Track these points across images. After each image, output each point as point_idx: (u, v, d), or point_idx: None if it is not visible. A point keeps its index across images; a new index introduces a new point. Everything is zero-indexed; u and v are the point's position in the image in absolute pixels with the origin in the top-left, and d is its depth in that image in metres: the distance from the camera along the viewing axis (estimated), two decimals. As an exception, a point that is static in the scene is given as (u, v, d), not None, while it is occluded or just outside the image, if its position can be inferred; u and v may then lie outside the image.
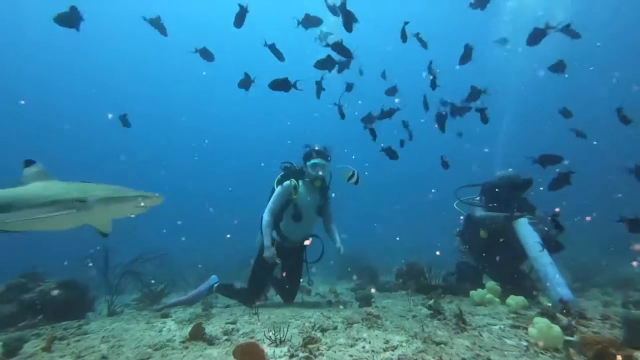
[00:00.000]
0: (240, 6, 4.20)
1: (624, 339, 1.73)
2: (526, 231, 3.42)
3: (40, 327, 2.81)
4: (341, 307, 3.40)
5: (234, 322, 2.66)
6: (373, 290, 4.25)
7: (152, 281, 4.07)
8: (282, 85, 3.57)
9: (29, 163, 2.21)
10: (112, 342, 2.22)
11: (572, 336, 1.83)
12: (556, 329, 1.76)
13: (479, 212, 3.94)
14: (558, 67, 4.71)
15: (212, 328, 2.48)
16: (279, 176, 3.73)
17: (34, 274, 3.48)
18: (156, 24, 4.64)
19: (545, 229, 3.46)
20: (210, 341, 2.13)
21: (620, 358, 1.36)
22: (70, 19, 3.57)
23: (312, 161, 3.56)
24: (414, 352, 1.75)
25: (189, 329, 2.27)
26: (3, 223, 1.97)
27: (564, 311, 2.41)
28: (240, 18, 4.24)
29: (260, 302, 3.76)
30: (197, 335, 2.19)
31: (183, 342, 2.14)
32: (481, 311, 2.86)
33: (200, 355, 1.85)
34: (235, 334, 2.33)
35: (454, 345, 1.84)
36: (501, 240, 3.69)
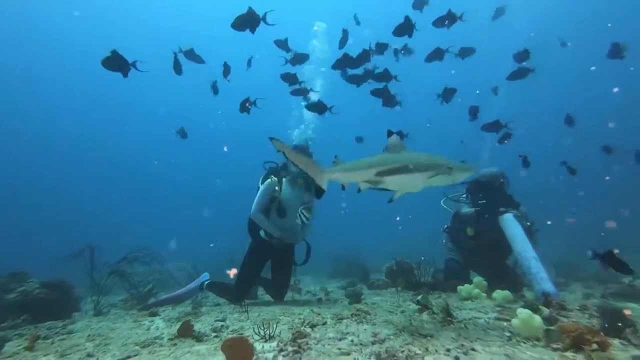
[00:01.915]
0: (175, 53, 4.15)
1: (600, 327, 1.80)
2: (512, 226, 3.50)
3: (23, 328, 2.75)
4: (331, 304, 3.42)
5: (223, 320, 2.65)
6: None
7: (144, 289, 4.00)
8: (116, 64, 3.10)
9: (390, 133, 2.49)
10: (98, 340, 2.19)
11: (552, 326, 1.88)
12: (537, 319, 1.82)
13: (465, 209, 4.02)
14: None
15: (201, 325, 2.48)
16: (263, 175, 3.74)
17: (18, 274, 3.39)
18: (192, 55, 4.59)
19: (528, 224, 3.55)
20: (199, 338, 2.12)
21: (595, 343, 1.42)
22: None
23: None
24: (401, 344, 1.78)
25: (178, 326, 2.26)
26: (388, 182, 2.30)
27: (546, 303, 2.48)
28: (177, 66, 4.16)
29: (250, 300, 3.76)
30: (186, 332, 2.18)
31: (171, 339, 2.13)
32: (468, 305, 2.93)
33: (189, 352, 1.84)
34: (224, 330, 2.33)
35: (440, 337, 1.88)
36: (487, 235, 3.78)
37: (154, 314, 3.02)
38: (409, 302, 3.15)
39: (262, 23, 3.71)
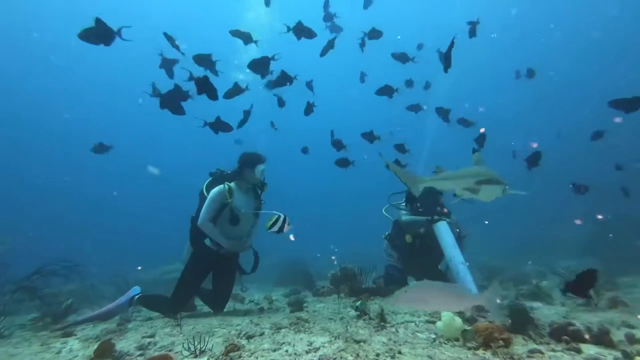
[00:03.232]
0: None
1: (508, 325, 2.02)
2: (444, 233, 3.79)
3: None
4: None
5: (152, 336, 2.45)
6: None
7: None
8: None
9: (475, 150, 2.91)
10: (-10, 369, 1.88)
11: (471, 326, 2.06)
12: (458, 320, 1.98)
13: (405, 217, 4.26)
14: None
15: (125, 343, 2.26)
16: (205, 183, 3.60)
17: None
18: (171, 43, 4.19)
19: (457, 230, 3.89)
20: (120, 358, 1.93)
21: (501, 340, 1.59)
22: None
23: (262, 167, 3.54)
24: (335, 352, 1.81)
25: (95, 347, 2.03)
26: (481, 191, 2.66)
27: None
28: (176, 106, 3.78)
29: (187, 312, 3.54)
30: (105, 353, 1.97)
31: (86, 362, 1.91)
32: (403, 310, 3.08)
33: (105, 375, 1.67)
34: (151, 348, 2.15)
35: (372, 342, 1.95)
36: (423, 242, 4.04)
37: (69, 334, 2.67)
38: (349, 308, 3.22)
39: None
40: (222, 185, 3.40)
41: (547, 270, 5.55)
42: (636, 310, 2.85)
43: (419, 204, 4.30)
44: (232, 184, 3.49)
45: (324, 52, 5.00)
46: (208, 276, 3.61)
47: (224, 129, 4.02)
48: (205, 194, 3.46)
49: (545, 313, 2.67)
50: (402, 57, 5.25)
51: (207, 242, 3.39)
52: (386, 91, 4.62)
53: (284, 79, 4.25)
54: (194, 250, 3.52)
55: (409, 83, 5.41)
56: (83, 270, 3.89)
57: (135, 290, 3.59)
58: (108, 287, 4.83)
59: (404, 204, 4.48)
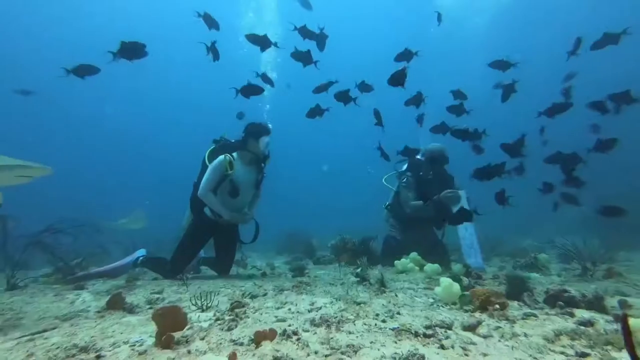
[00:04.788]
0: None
1: (506, 292, 2.08)
2: (462, 203, 3.78)
3: None
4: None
5: (160, 292, 2.56)
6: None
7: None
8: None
9: None
10: (8, 315, 1.98)
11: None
12: (456, 286, 2.04)
13: (408, 196, 4.26)
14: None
15: (135, 298, 2.36)
16: (208, 150, 3.55)
17: None
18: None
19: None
20: (131, 310, 2.03)
21: (497, 304, 1.65)
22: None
23: (267, 139, 3.45)
24: (336, 311, 1.88)
25: (107, 299, 2.13)
26: None
27: (466, 274, 2.80)
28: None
29: (192, 274, 3.66)
30: (116, 304, 2.06)
31: (99, 311, 2.00)
32: (402, 278, 3.18)
33: (117, 323, 1.75)
34: (160, 303, 2.25)
35: (372, 304, 2.02)
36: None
37: (81, 287, 2.79)
38: (349, 275, 3.32)
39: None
40: (222, 156, 3.34)
41: (545, 245, 5.64)
42: (631, 280, 2.91)
43: (421, 173, 4.28)
44: (234, 154, 3.45)
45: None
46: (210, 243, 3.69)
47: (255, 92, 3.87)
48: (207, 162, 3.42)
49: (541, 282, 2.74)
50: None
51: (207, 211, 3.41)
52: (316, 112, 4.39)
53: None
54: (193, 218, 3.54)
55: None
56: (91, 230, 3.99)
57: (141, 252, 3.69)
58: (116, 247, 4.99)
59: (407, 172, 4.43)
